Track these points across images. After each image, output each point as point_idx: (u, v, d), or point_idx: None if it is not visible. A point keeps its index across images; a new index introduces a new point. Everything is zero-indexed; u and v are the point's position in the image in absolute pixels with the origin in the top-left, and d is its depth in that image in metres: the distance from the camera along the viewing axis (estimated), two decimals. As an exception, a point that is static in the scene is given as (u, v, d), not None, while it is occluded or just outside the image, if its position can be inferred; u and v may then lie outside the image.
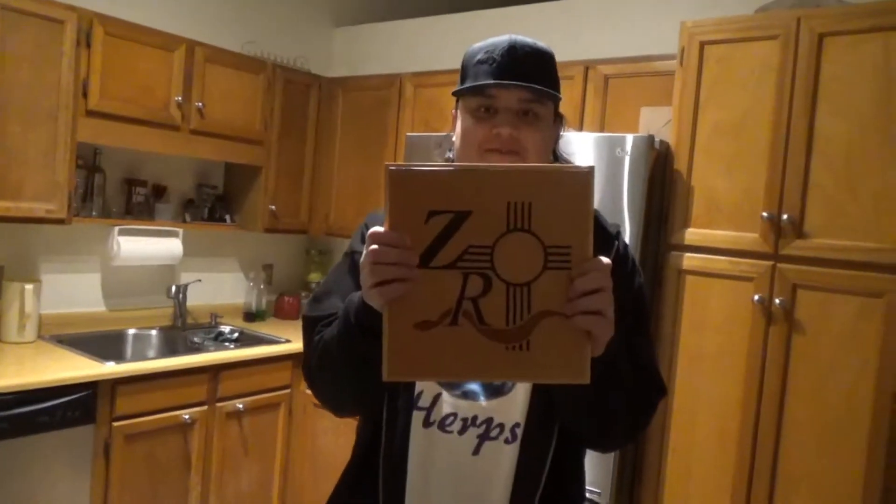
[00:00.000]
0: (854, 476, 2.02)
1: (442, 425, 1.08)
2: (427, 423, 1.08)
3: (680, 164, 2.34)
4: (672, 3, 2.77)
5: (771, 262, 2.16)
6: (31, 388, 2.30)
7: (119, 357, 2.82)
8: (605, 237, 1.11)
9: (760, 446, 2.17)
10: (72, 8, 2.62)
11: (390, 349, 0.84)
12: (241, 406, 2.94)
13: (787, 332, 2.13)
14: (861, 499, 2.01)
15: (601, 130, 2.78)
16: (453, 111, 1.16)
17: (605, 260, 0.84)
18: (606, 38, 2.95)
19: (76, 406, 2.41)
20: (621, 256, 1.11)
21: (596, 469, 2.31)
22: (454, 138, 1.15)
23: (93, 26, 2.67)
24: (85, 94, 2.68)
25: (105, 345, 2.90)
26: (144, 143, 2.92)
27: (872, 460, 2.00)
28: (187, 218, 3.33)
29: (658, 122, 2.62)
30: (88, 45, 2.67)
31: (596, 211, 1.07)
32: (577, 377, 0.85)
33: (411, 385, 1.09)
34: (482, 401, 1.08)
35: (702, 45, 2.31)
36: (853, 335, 2.04)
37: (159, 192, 3.25)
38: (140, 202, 3.15)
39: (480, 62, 1.09)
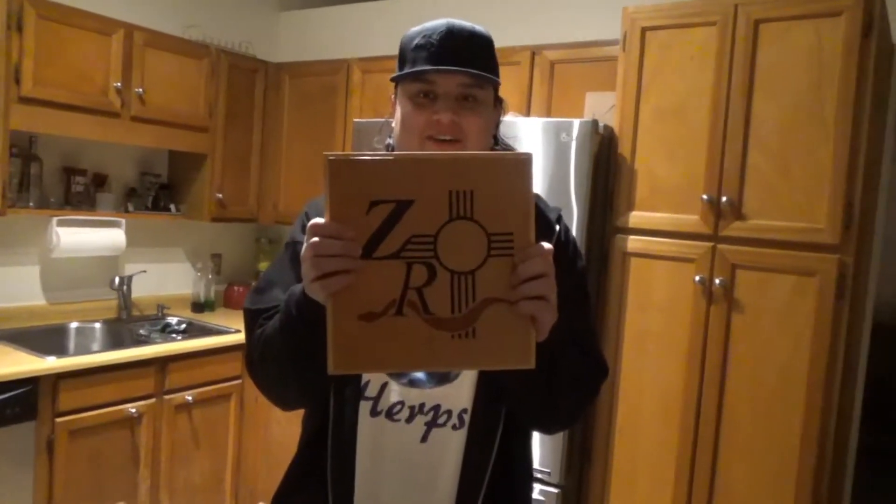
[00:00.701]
0: (791, 445, 2.11)
1: (390, 414, 1.08)
2: (375, 412, 1.09)
3: (624, 149, 2.38)
4: (616, -11, 2.80)
5: (711, 244, 2.23)
6: (-34, 385, 2.22)
7: (61, 351, 2.74)
8: (546, 223, 1.12)
9: (703, 421, 2.24)
10: (0, -10, 2.52)
11: (335, 342, 0.83)
12: (190, 398, 2.89)
13: (727, 311, 2.20)
14: (797, 466, 2.10)
15: (548, 115, 2.81)
16: (392, 97, 1.15)
17: (547, 245, 0.85)
18: (553, 24, 2.97)
19: (16, 403, 2.33)
20: (562, 242, 1.12)
21: (545, 449, 2.36)
22: (393, 124, 1.14)
23: (23, 9, 2.57)
24: (17, 81, 2.58)
25: (46, 339, 2.82)
26: (83, 130, 2.83)
27: (808, 429, 2.09)
28: (130, 207, 3.25)
29: (603, 107, 2.65)
30: (20, 29, 2.57)
31: (537, 196, 1.10)
32: (523, 362, 0.86)
33: (357, 375, 1.09)
34: (428, 388, 1.08)
35: (643, 30, 2.35)
36: (788, 312, 2.11)
37: (100, 181, 3.16)
38: (80, 192, 3.06)
39: (419, 47, 1.08)
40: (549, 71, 2.84)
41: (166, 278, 3.54)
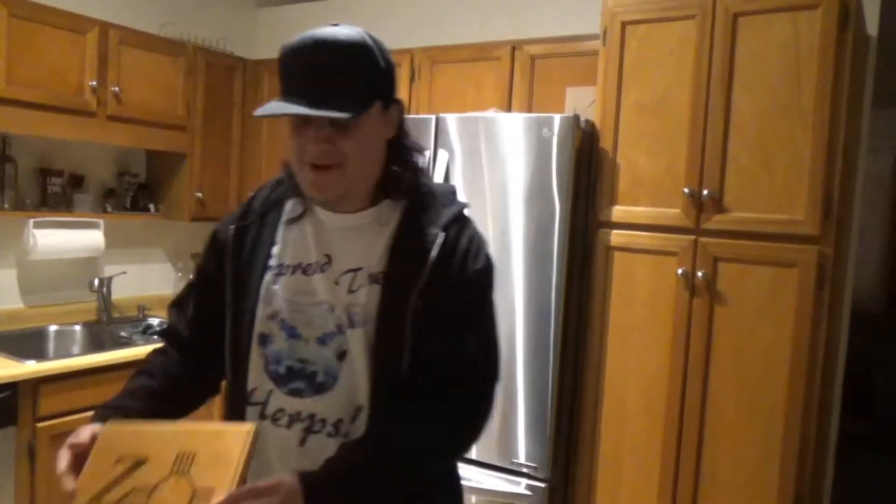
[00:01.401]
0: (774, 432, 2.14)
1: (274, 419, 1.15)
2: (262, 416, 1.15)
3: (605, 143, 2.39)
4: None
5: (693, 237, 2.24)
6: (-57, 392, 2.18)
7: (40, 355, 2.69)
8: (423, 238, 1.11)
9: (687, 412, 2.26)
10: (-30, -12, 2.46)
11: None
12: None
13: (710, 303, 2.22)
14: (780, 453, 2.13)
15: (529, 110, 2.81)
16: None
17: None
18: (533, 19, 2.97)
19: (-5, 408, 2.30)
20: (448, 250, 1.11)
21: (532, 444, 2.37)
22: None
23: (-5, 7, 2.52)
24: (-10, 80, 2.53)
25: (24, 343, 2.77)
26: (58, 130, 2.78)
27: (790, 417, 2.12)
28: (108, 208, 3.20)
29: (584, 101, 2.66)
30: (-9, 28, 2.52)
31: (435, 193, 1.16)
32: None
33: (244, 379, 1.17)
34: (307, 398, 1.13)
35: (623, 24, 2.36)
36: (770, 304, 2.14)
37: (77, 181, 3.11)
38: (56, 192, 3.01)
39: (283, 69, 1.06)
40: (529, 66, 2.84)
41: (146, 279, 3.50)
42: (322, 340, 1.12)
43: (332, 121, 1.03)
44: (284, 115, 1.05)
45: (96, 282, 3.19)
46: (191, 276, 1.35)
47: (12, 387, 2.35)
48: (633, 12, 2.35)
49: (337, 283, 1.13)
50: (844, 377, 2.37)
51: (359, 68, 1.05)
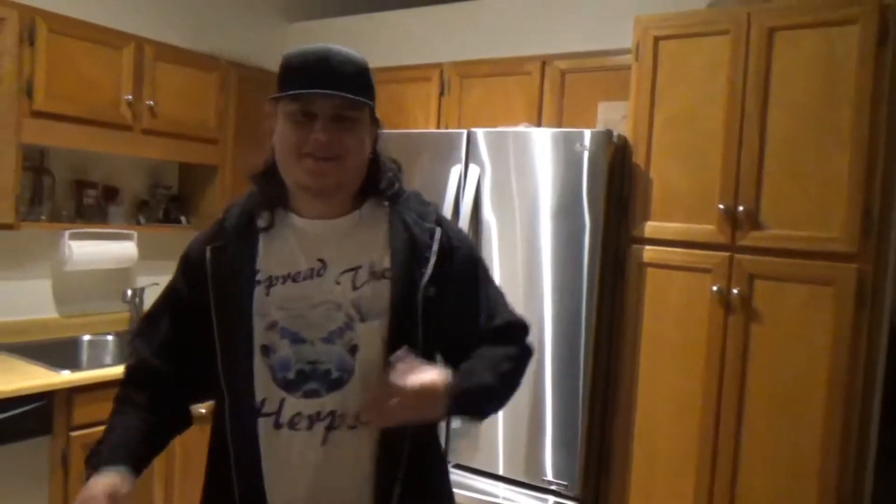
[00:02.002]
0: (811, 453, 2.10)
1: (292, 424, 1.17)
2: (277, 426, 1.17)
3: (638, 159, 2.38)
4: (626, -2, 2.80)
5: (728, 254, 2.22)
6: (-18, 400, 2.22)
7: (74, 365, 2.73)
8: (418, 233, 1.22)
9: (722, 431, 2.23)
10: (13, 4, 2.52)
11: None
12: (203, 411, 2.86)
13: (746, 321, 2.19)
14: (818, 474, 2.09)
15: (559, 125, 2.81)
16: (270, 116, 1.21)
17: None
18: (563, 33, 2.97)
19: (31, 417, 2.33)
20: (444, 242, 1.23)
21: (560, 460, 2.35)
22: (274, 141, 1.20)
23: (35, 24, 2.57)
24: (30, 95, 2.58)
25: (59, 353, 2.81)
26: (94, 143, 2.83)
27: (827, 438, 2.08)
28: (141, 220, 3.25)
29: (615, 116, 2.65)
30: (32, 44, 2.57)
31: (409, 196, 1.27)
32: None
33: (251, 393, 1.17)
34: (323, 396, 1.16)
35: (656, 39, 2.35)
36: (807, 322, 2.11)
37: (111, 193, 3.16)
38: (91, 204, 3.06)
39: (297, 69, 1.15)
40: (559, 80, 2.84)
41: (177, 290, 3.53)
42: (328, 339, 1.16)
43: (337, 116, 1.14)
44: (312, 93, 1.12)
45: (129, 292, 3.23)
46: (147, 308, 1.37)
47: (48, 396, 2.38)
48: (665, 27, 2.34)
49: (338, 283, 1.18)
50: (883, 392, 2.32)
51: (364, 77, 1.18)
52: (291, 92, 1.13)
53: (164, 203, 3.35)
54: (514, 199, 2.45)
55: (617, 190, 2.41)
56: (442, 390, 1.10)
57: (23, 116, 2.57)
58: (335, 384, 1.16)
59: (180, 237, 3.49)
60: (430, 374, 1.09)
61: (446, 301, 1.21)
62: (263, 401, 1.17)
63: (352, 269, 1.19)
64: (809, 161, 2.11)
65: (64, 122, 2.70)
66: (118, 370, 2.57)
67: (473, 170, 2.52)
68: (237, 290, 1.19)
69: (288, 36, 3.86)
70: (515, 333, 1.28)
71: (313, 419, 1.16)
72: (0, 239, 2.83)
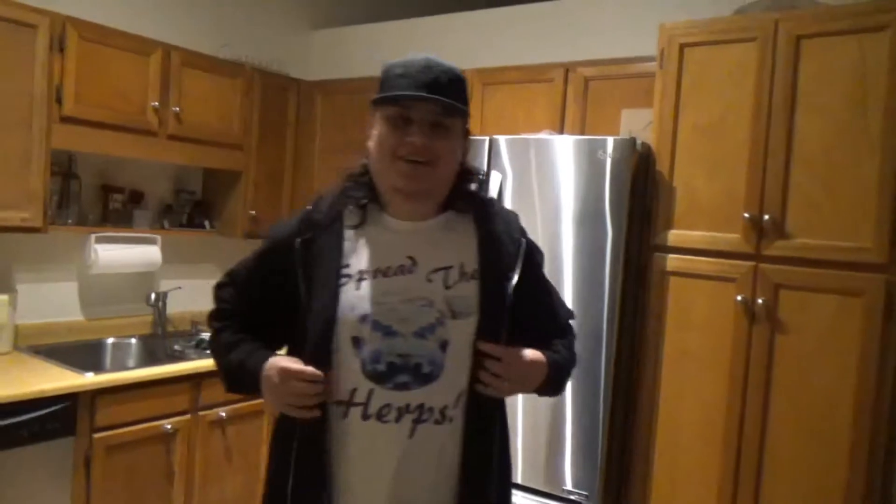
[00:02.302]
0: (838, 467, 2.05)
1: (380, 416, 1.20)
2: (366, 416, 1.21)
3: (662, 166, 2.35)
4: (652, 5, 2.78)
5: (753, 263, 2.19)
6: (8, 400, 2.25)
7: (98, 367, 2.77)
8: (505, 241, 1.31)
9: (746, 443, 2.19)
10: (44, 12, 2.57)
11: None
12: (223, 414, 2.90)
13: (770, 332, 2.15)
14: (845, 486, 2.04)
15: (582, 132, 2.79)
16: (370, 119, 1.27)
17: None
18: (586, 40, 2.96)
19: (55, 418, 2.36)
20: (528, 253, 1.33)
21: (581, 470, 2.32)
22: (370, 144, 1.25)
23: (66, 31, 2.62)
24: (59, 100, 2.63)
25: (84, 355, 2.85)
26: (121, 149, 2.88)
27: (855, 452, 2.03)
28: (166, 224, 3.29)
29: (639, 123, 2.63)
30: (62, 50, 2.62)
31: (494, 206, 1.38)
32: None
33: (337, 384, 1.21)
34: (413, 389, 1.20)
35: (681, 47, 2.33)
36: (834, 333, 2.06)
37: (136, 198, 3.20)
38: (117, 209, 3.10)
39: (399, 76, 1.21)
40: (583, 88, 2.82)
41: (200, 294, 3.55)
42: (420, 334, 1.20)
43: (434, 122, 1.20)
44: (413, 97, 1.19)
45: (153, 296, 3.26)
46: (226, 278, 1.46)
47: (72, 398, 2.41)
48: (691, 34, 2.32)
49: (430, 281, 1.24)
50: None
51: (461, 88, 1.25)
52: (392, 94, 1.19)
53: (188, 208, 3.39)
54: (536, 207, 2.44)
55: (640, 198, 2.39)
56: (545, 361, 1.25)
57: (52, 122, 2.61)
58: (426, 378, 1.20)
59: (204, 242, 3.53)
60: (529, 350, 1.24)
61: (528, 303, 1.30)
62: (355, 390, 1.21)
63: (442, 269, 1.25)
64: (837, 169, 2.08)
65: (92, 128, 2.75)
66: (141, 373, 2.63)
67: (495, 176, 2.51)
68: (324, 282, 1.23)
69: (312, 43, 3.89)
70: (570, 326, 1.44)
71: (402, 412, 1.20)
72: (29, 242, 2.88)
